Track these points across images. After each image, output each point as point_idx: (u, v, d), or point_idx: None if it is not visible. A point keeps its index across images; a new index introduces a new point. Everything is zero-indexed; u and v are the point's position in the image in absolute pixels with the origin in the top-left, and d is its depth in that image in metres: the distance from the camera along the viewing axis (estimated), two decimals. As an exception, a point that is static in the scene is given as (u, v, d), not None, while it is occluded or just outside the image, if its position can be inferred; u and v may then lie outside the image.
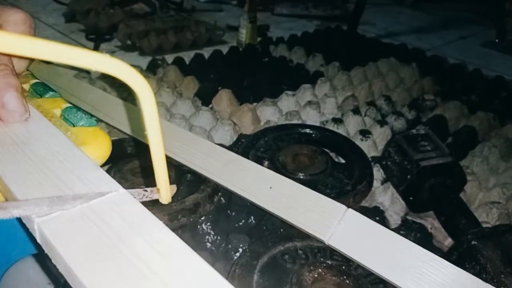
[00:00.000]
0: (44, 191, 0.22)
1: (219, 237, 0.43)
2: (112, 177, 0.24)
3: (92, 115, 0.35)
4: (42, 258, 0.40)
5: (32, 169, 0.24)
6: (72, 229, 0.20)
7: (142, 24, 1.06)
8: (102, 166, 0.27)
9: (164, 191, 0.25)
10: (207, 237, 0.43)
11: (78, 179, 0.23)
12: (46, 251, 0.20)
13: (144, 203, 0.23)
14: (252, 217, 0.44)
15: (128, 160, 0.46)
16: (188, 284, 0.18)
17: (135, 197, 0.23)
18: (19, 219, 0.22)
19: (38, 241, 0.20)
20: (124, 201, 0.22)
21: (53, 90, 0.36)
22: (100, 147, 0.30)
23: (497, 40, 1.39)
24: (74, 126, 0.31)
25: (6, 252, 0.34)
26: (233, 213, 0.44)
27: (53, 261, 0.20)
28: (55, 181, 0.23)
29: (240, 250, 0.39)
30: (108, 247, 0.19)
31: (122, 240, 0.19)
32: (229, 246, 0.40)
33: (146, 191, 0.25)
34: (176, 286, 0.18)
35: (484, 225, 0.46)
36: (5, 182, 0.23)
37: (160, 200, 0.26)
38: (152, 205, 0.24)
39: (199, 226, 0.42)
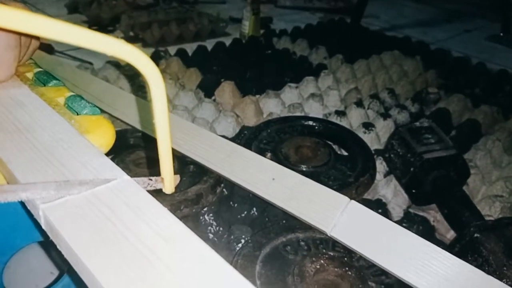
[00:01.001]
0: (48, 178, 0.22)
1: (221, 228, 0.43)
2: (115, 166, 0.24)
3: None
4: (45, 246, 0.40)
5: (36, 156, 0.24)
6: (77, 215, 0.20)
7: (145, 15, 1.05)
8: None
9: (168, 181, 0.25)
10: (209, 228, 0.43)
11: (83, 166, 0.23)
12: (51, 237, 0.20)
13: (148, 192, 0.23)
14: (255, 208, 0.44)
15: (131, 151, 0.46)
16: (193, 269, 0.18)
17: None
18: (23, 206, 0.22)
19: (43, 227, 0.20)
20: (129, 188, 0.22)
21: (56, 79, 0.36)
22: (104, 135, 0.30)
23: (501, 34, 1.38)
24: (78, 114, 0.31)
25: (9, 240, 0.34)
26: (236, 204, 0.44)
27: (58, 247, 0.20)
28: (59, 168, 0.23)
29: (243, 241, 0.39)
30: (113, 233, 0.19)
31: (126, 226, 0.19)
32: (232, 237, 0.40)
33: (150, 180, 0.25)
34: (180, 271, 0.18)
35: (487, 218, 0.46)
36: (10, 168, 0.23)
37: (164, 190, 0.26)
38: (155, 195, 0.24)
39: (201, 217, 0.42)
